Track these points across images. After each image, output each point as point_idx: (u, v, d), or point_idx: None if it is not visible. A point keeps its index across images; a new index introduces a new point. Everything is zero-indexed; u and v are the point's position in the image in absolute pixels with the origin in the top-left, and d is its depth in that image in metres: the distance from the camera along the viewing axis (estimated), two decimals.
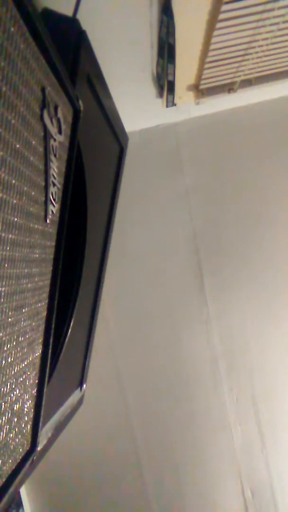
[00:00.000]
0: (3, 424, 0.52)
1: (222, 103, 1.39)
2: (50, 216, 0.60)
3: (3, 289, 0.46)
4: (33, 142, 0.50)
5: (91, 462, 1.50)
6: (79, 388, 1.13)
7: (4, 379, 0.50)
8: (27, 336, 0.57)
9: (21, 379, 0.57)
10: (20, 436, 0.60)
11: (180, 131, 1.46)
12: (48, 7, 0.71)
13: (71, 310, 0.89)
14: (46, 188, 0.57)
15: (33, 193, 0.52)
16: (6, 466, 0.56)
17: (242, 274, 1.47)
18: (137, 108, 1.31)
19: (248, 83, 1.22)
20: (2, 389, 0.50)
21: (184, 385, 1.48)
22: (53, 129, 0.56)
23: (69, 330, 0.88)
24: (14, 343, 0.52)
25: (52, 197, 0.59)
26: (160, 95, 1.21)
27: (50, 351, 0.68)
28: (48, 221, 0.59)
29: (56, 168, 0.60)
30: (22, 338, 0.55)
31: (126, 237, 1.46)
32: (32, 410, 0.65)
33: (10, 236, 0.46)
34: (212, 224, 1.47)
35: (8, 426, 0.54)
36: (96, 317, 1.14)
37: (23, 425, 0.61)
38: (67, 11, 0.73)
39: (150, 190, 1.47)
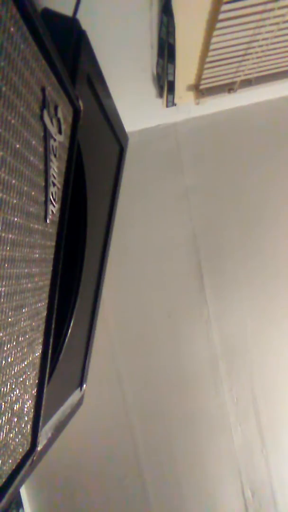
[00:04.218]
0: (3, 424, 0.52)
1: (222, 103, 1.39)
2: (50, 216, 0.60)
3: (3, 289, 0.46)
4: (33, 142, 0.50)
5: (91, 462, 1.50)
6: (79, 388, 1.13)
7: (4, 379, 0.50)
8: (27, 336, 0.57)
9: (21, 379, 0.57)
10: (20, 436, 0.60)
11: (180, 131, 1.46)
12: (48, 7, 0.71)
13: (71, 310, 0.89)
14: (46, 188, 0.57)
15: (33, 193, 0.52)
16: (6, 466, 0.56)
17: (242, 274, 1.47)
18: (137, 108, 1.31)
19: (248, 83, 1.21)
20: (2, 389, 0.50)
21: (184, 385, 1.48)
22: (53, 129, 0.56)
23: (69, 330, 0.88)
24: (14, 343, 0.52)
25: (52, 197, 0.59)
26: (160, 95, 1.21)
27: (50, 351, 0.68)
28: (48, 221, 0.59)
29: (56, 168, 0.60)
30: (22, 338, 0.55)
31: (126, 237, 1.46)
32: (32, 410, 0.65)
33: (10, 236, 0.46)
34: (212, 224, 1.47)
35: (8, 426, 0.54)
36: (96, 317, 1.14)
37: (23, 425, 0.61)
38: (67, 11, 0.73)
39: (150, 190, 1.47)
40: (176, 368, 1.48)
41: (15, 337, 0.52)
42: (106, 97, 0.92)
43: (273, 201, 1.46)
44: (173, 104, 1.26)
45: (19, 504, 1.43)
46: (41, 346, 0.65)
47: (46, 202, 0.57)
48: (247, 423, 1.48)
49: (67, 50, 0.69)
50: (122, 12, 0.87)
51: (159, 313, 1.48)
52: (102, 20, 0.87)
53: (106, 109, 0.92)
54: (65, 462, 1.49)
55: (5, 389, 0.51)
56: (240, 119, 1.45)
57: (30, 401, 0.63)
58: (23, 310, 0.54)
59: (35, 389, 0.65)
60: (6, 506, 0.58)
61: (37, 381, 0.65)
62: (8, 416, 0.53)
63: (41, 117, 0.52)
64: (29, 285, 0.54)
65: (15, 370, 0.54)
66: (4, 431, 0.53)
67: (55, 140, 0.58)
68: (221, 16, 0.86)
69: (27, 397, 0.61)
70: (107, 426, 1.50)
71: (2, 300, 0.46)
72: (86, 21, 0.72)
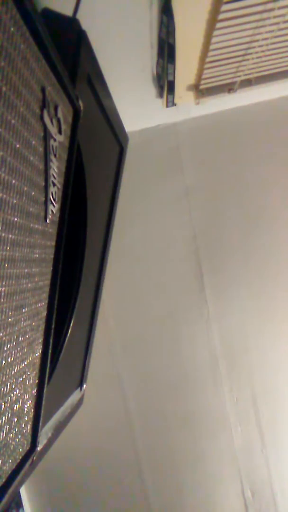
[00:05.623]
0: (3, 424, 0.52)
1: (222, 103, 1.39)
2: (50, 216, 0.60)
3: (3, 289, 0.46)
4: (33, 142, 0.50)
5: (91, 462, 1.50)
6: (79, 388, 1.13)
7: (4, 379, 0.50)
8: (27, 336, 0.57)
9: (21, 379, 0.57)
10: (20, 436, 0.60)
11: (180, 131, 1.46)
12: (48, 7, 0.71)
13: (71, 310, 0.89)
14: (46, 188, 0.57)
15: (33, 193, 0.52)
16: (6, 466, 0.56)
17: (242, 274, 1.47)
18: (137, 108, 1.31)
19: (248, 83, 1.21)
20: (2, 389, 0.50)
21: (184, 385, 1.48)
22: (53, 129, 0.56)
23: (69, 330, 0.88)
24: (14, 343, 0.52)
25: (52, 197, 0.60)
26: (160, 95, 1.21)
27: (50, 351, 0.68)
28: (48, 221, 0.59)
29: (56, 168, 0.60)
30: (22, 338, 0.55)
31: (126, 237, 1.46)
32: (32, 410, 0.65)
33: (10, 236, 0.46)
34: (212, 224, 1.47)
35: (8, 426, 0.54)
36: (96, 317, 1.14)
37: (23, 425, 0.61)
38: (67, 11, 0.73)
39: (150, 190, 1.47)
40: (176, 368, 1.48)
41: (15, 337, 0.52)
42: (106, 97, 0.92)
43: (273, 201, 1.46)
44: (173, 104, 1.26)
45: (19, 504, 1.43)
46: (41, 346, 0.65)
47: (46, 202, 0.57)
48: (247, 423, 1.48)
49: (67, 50, 0.69)
50: (122, 12, 0.87)
51: (159, 313, 1.48)
52: (102, 20, 0.87)
53: (106, 109, 0.92)
54: (65, 462, 1.49)
55: (5, 389, 0.51)
56: (240, 119, 1.45)
57: (30, 401, 0.63)
58: (23, 310, 0.54)
59: (35, 389, 0.65)
60: (6, 506, 0.58)
61: (37, 381, 0.65)
62: (8, 416, 0.53)
63: (41, 117, 0.52)
64: (29, 285, 0.54)
65: (15, 370, 0.54)
66: (4, 431, 0.53)
67: (55, 140, 0.58)
68: (221, 16, 0.86)
69: (27, 397, 0.61)
70: (107, 426, 1.49)
71: (2, 300, 0.46)
72: (86, 21, 0.72)
